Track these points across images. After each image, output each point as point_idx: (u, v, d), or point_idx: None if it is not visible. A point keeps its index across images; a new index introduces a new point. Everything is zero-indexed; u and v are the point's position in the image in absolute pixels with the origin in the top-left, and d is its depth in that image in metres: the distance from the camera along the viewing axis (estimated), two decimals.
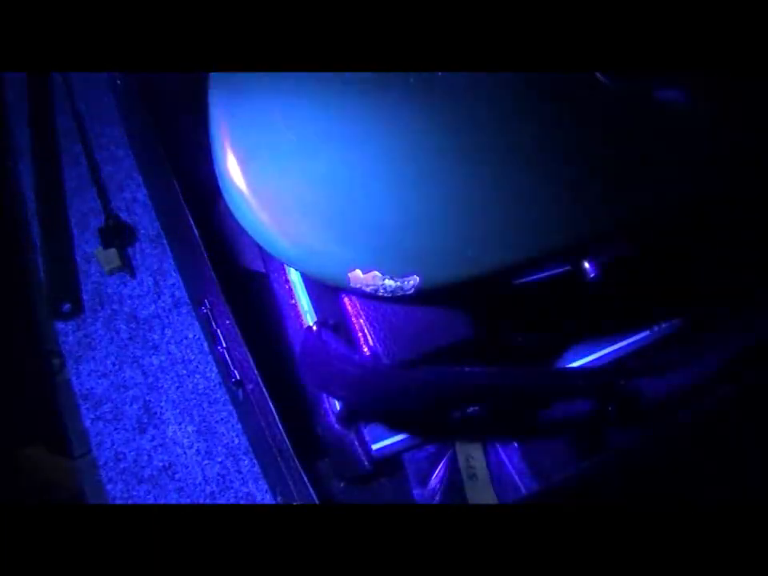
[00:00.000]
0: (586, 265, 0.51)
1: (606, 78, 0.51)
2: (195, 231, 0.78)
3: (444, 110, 0.50)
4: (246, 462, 0.83)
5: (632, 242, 0.56)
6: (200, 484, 0.82)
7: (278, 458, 0.64)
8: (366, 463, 0.66)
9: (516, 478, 0.70)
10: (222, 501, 0.81)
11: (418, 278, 0.48)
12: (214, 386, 0.88)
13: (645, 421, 0.66)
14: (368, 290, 0.49)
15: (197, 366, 0.90)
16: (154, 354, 0.91)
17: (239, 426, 0.85)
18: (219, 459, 0.84)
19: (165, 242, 0.99)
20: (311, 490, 0.62)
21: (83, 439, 0.85)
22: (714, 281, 0.71)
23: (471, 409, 0.67)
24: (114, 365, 0.90)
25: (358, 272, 0.48)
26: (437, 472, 0.70)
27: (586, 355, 0.70)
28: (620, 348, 0.70)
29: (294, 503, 0.62)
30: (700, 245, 0.65)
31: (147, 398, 0.88)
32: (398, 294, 0.49)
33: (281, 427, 0.66)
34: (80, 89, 1.12)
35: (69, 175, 1.05)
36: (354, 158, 0.49)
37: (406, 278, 0.48)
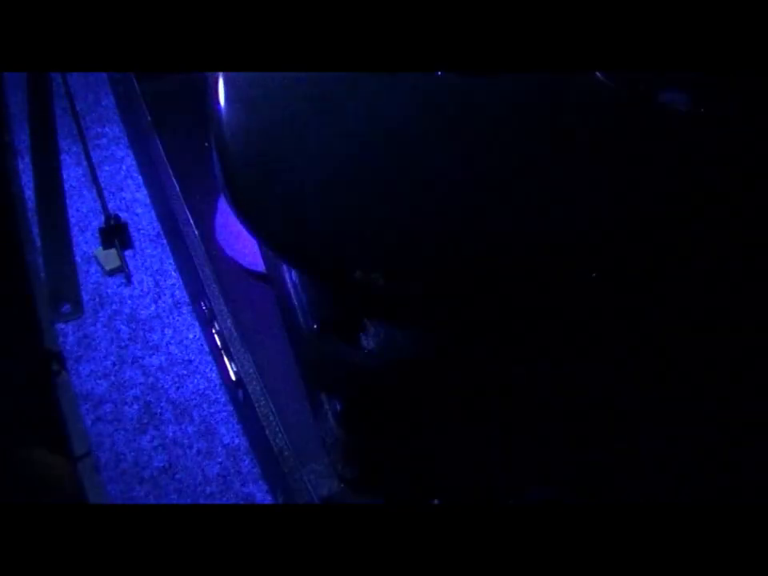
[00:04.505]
0: (587, 264, 0.51)
1: (606, 77, 0.51)
2: (195, 231, 0.78)
3: (444, 110, 0.50)
4: (247, 462, 0.83)
5: (632, 242, 0.56)
6: (200, 484, 0.82)
7: (278, 458, 0.64)
8: (366, 463, 0.66)
9: (516, 477, 0.70)
10: (221, 501, 0.81)
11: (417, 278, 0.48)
12: (214, 386, 0.88)
13: (645, 421, 0.66)
14: (368, 289, 0.49)
15: (197, 366, 0.90)
16: (154, 354, 0.91)
17: (239, 426, 0.85)
18: (219, 459, 0.84)
19: (165, 241, 0.99)
20: (311, 489, 0.62)
21: (83, 439, 0.85)
22: (714, 280, 0.71)
23: (471, 409, 0.67)
24: (114, 365, 0.90)
25: (359, 273, 0.48)
26: (436, 472, 0.70)
27: (587, 355, 0.70)
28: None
29: (294, 503, 0.62)
30: (700, 245, 0.65)
31: (147, 398, 0.88)
32: (398, 294, 0.49)
33: (281, 427, 0.66)
34: (80, 89, 1.12)
35: (69, 175, 1.05)
36: (356, 158, 0.49)
37: (405, 279, 0.48)
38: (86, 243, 0.99)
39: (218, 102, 0.51)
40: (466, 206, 0.49)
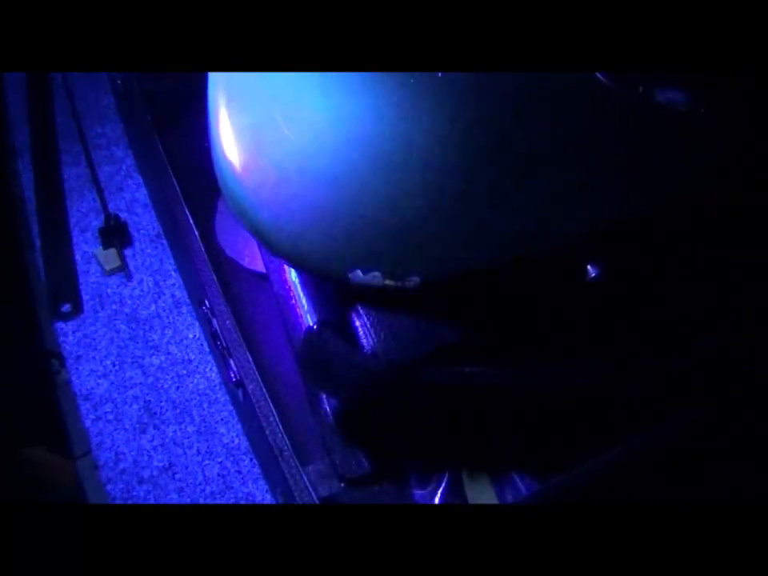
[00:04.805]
0: (586, 265, 0.51)
1: (606, 78, 0.51)
2: (195, 231, 0.77)
3: (444, 110, 0.50)
4: (246, 462, 0.83)
5: (632, 242, 0.56)
6: (200, 484, 0.82)
7: (278, 458, 0.64)
8: (366, 463, 0.66)
9: (516, 477, 0.70)
10: (222, 501, 0.81)
11: (418, 278, 0.48)
12: (214, 386, 0.88)
13: (644, 421, 0.66)
14: (368, 290, 0.49)
15: (197, 366, 0.90)
16: (154, 354, 0.91)
17: (239, 426, 0.85)
18: (219, 459, 0.84)
19: (165, 242, 0.99)
20: (311, 490, 0.62)
21: (83, 439, 0.85)
22: (713, 281, 0.71)
23: (472, 409, 0.67)
24: (113, 365, 0.90)
25: (359, 272, 0.48)
26: (437, 472, 0.70)
27: (586, 356, 0.70)
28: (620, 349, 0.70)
29: (294, 503, 0.62)
30: (699, 245, 0.65)
31: (147, 398, 0.88)
32: (399, 294, 0.49)
33: (281, 427, 0.66)
34: (80, 89, 1.12)
35: (69, 175, 1.05)
36: (354, 158, 0.49)
37: (406, 278, 0.48)
38: (85, 243, 0.99)
39: (217, 102, 0.51)
40: (466, 209, 0.49)
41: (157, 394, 0.88)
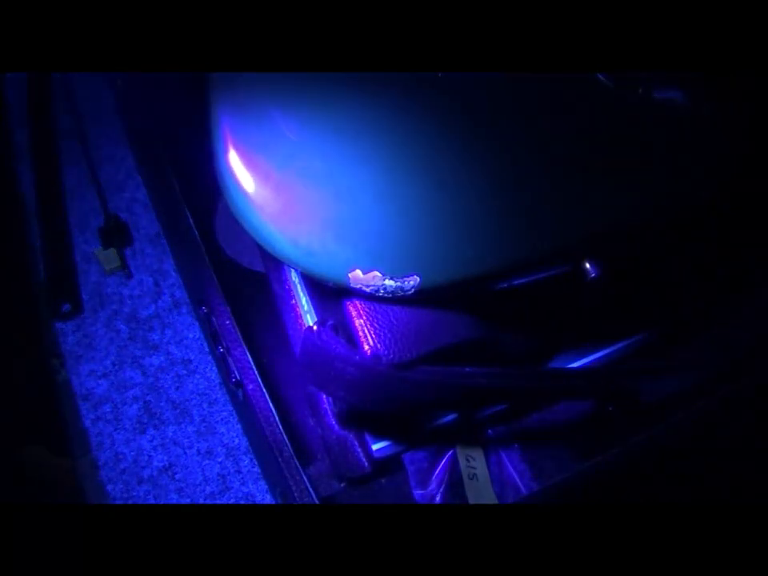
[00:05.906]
0: (586, 265, 0.51)
1: (607, 78, 0.51)
2: (195, 231, 0.77)
3: (444, 111, 0.50)
4: (246, 462, 0.83)
5: (632, 242, 0.56)
6: (200, 484, 0.82)
7: (278, 458, 0.64)
8: (366, 464, 0.66)
9: (516, 478, 0.70)
10: (222, 501, 0.81)
11: (418, 278, 0.48)
12: (214, 386, 0.88)
13: (644, 421, 0.66)
14: (368, 290, 0.49)
15: (197, 366, 0.90)
16: (154, 354, 0.91)
17: (239, 426, 0.85)
18: (219, 459, 0.84)
19: (165, 242, 0.99)
20: (311, 490, 0.62)
21: (83, 439, 0.85)
22: (712, 281, 0.71)
23: (472, 409, 0.67)
24: (114, 365, 0.90)
25: (358, 272, 0.48)
26: (437, 472, 0.70)
27: (586, 356, 0.70)
28: (619, 348, 0.70)
29: (294, 503, 0.62)
30: (698, 245, 0.65)
31: (147, 398, 0.88)
32: (399, 294, 0.49)
33: (281, 427, 0.66)
34: (80, 89, 1.12)
35: (69, 175, 1.05)
36: (354, 158, 0.49)
37: (406, 278, 0.48)
38: (85, 243, 0.99)
39: (218, 102, 0.51)
40: (465, 210, 0.49)
41: (157, 394, 0.88)
